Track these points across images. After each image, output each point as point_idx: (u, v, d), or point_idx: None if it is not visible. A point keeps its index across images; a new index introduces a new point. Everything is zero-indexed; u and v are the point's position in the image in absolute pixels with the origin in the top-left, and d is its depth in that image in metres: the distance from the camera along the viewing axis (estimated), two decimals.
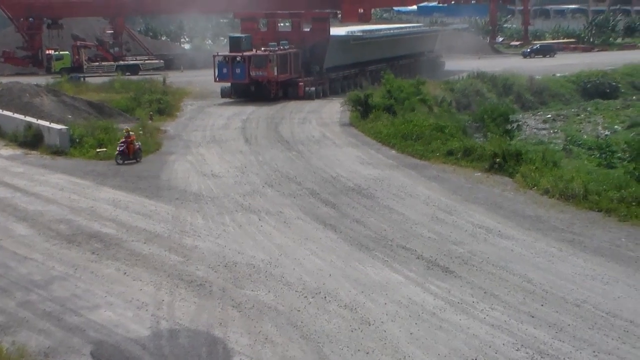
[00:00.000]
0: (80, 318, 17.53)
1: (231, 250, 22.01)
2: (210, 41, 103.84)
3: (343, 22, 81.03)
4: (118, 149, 34.57)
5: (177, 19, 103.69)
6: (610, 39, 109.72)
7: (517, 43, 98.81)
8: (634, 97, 69.59)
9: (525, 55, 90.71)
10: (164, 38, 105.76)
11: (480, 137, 40.08)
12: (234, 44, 56.44)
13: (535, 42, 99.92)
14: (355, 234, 23.50)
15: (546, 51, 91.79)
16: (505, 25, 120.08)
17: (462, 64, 75.52)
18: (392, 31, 72.04)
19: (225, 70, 55.30)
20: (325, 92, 57.02)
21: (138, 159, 34.67)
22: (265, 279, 19.70)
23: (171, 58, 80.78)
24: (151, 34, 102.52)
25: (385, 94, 46.68)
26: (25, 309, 18.13)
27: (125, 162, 34.23)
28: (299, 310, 17.71)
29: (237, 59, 54.90)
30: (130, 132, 35.22)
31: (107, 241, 22.97)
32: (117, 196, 28.24)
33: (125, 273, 20.35)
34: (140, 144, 35.44)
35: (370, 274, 20.06)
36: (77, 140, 37.34)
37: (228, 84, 55.93)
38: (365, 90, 48.72)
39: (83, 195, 28.43)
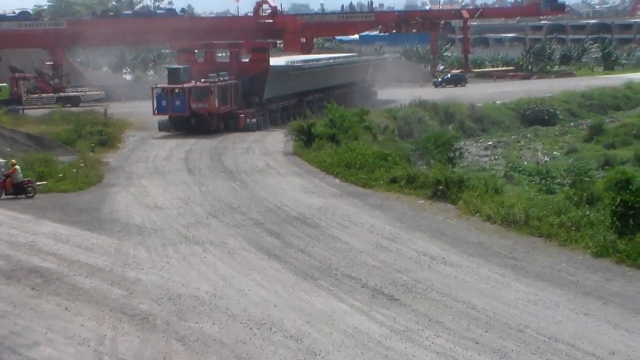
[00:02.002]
0: (18, 356, 17.08)
1: (175, 283, 21.76)
2: (152, 72, 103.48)
3: (285, 51, 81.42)
4: None
5: (117, 50, 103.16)
6: (548, 66, 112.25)
7: (458, 71, 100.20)
8: (571, 124, 71.32)
9: (436, 85, 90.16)
10: (105, 69, 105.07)
11: (423, 165, 40.46)
12: (173, 75, 55.21)
13: (447, 70, 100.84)
14: (300, 263, 23.43)
15: (457, 81, 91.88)
16: (445, 54, 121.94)
17: (395, 94, 76.31)
18: (330, 61, 72.08)
19: (164, 103, 54.06)
20: (265, 123, 56.47)
21: (29, 194, 33.42)
22: (210, 311, 19.50)
23: (112, 89, 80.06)
24: (92, 65, 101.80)
25: (328, 123, 46.91)
26: None
27: (3, 196, 32.98)
28: (244, 342, 17.55)
29: (177, 91, 53.94)
30: (15, 165, 33.91)
31: (48, 276, 22.52)
32: (58, 230, 27.75)
33: (66, 308, 19.95)
34: (32, 178, 34.43)
35: (316, 303, 20.00)
36: None
37: (166, 117, 54.77)
38: (307, 120, 48.81)
39: (22, 230, 27.86)
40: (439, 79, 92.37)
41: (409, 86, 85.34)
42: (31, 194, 33.59)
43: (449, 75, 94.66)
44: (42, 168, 37.77)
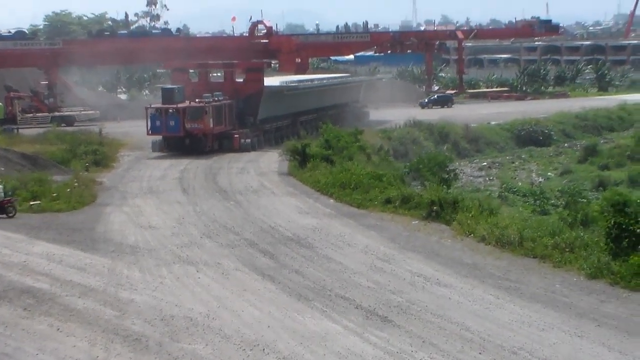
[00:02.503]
0: None
1: (168, 303, 21.65)
2: (147, 91, 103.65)
3: (280, 71, 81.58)
4: None
5: (113, 69, 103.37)
6: (542, 87, 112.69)
7: (453, 92, 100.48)
8: (565, 144, 71.56)
9: (423, 105, 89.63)
10: (100, 88, 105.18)
11: (418, 185, 40.46)
12: (167, 95, 54.84)
13: (442, 91, 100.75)
14: (294, 284, 23.35)
15: (444, 102, 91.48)
16: (440, 75, 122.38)
17: (387, 114, 76.33)
18: (324, 81, 72.01)
19: (158, 123, 53.80)
20: (260, 143, 56.29)
21: (9, 214, 33.06)
22: (203, 332, 19.40)
23: (107, 109, 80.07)
24: (87, 84, 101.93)
25: (323, 144, 46.92)
26: None
27: None
28: None
29: (171, 111, 53.68)
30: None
31: (40, 296, 22.39)
32: (51, 249, 27.64)
33: (58, 329, 19.82)
34: (16, 198, 34.31)
35: (309, 324, 19.91)
36: (10, 193, 36.58)
37: (159, 137, 54.49)
38: (301, 140, 48.81)
39: (15, 250, 27.73)
40: (426, 100, 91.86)
41: (402, 106, 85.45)
42: (12, 214, 33.25)
43: (436, 96, 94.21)
44: (36, 187, 37.70)
